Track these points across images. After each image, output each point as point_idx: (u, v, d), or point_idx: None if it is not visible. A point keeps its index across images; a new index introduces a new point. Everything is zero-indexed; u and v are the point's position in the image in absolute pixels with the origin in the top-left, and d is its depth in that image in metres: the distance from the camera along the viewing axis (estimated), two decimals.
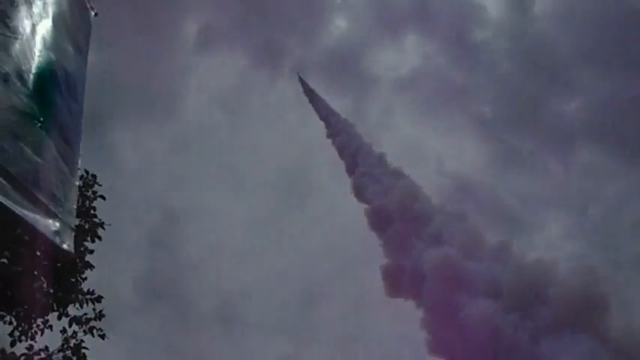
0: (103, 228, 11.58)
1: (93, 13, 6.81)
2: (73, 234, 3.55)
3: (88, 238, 11.40)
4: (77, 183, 3.96)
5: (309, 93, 51.34)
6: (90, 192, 11.59)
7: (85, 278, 11.42)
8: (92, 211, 11.53)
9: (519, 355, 32.36)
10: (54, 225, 3.50)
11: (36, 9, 4.89)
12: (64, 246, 3.48)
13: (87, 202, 11.50)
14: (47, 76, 4.41)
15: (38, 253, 10.42)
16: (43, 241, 3.45)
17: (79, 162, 4.27)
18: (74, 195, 3.85)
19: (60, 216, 3.59)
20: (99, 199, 11.72)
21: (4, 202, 3.31)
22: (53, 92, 4.39)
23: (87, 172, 11.73)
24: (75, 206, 3.78)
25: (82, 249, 11.27)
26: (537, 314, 33.37)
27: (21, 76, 4.19)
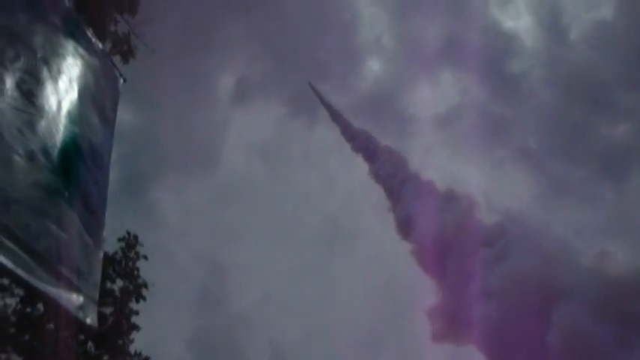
0: (147, 288, 11.71)
1: (122, 81, 7.09)
2: (96, 307, 3.68)
3: (133, 299, 11.53)
4: (101, 254, 4.10)
5: (328, 107, 50.61)
6: (132, 253, 11.76)
7: (132, 340, 11.51)
8: (135, 272, 11.69)
9: None
10: (77, 299, 3.64)
11: (62, 84, 5.13)
12: (88, 320, 3.60)
13: (130, 263, 11.67)
14: (72, 150, 4.60)
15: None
16: (67, 316, 3.59)
17: (104, 232, 4.45)
18: (98, 267, 3.99)
19: (83, 290, 3.72)
20: (142, 259, 11.90)
21: (28, 280, 3.47)
22: (78, 165, 4.57)
23: (129, 233, 11.94)
24: (99, 278, 3.91)
25: (126, 310, 11.41)
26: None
27: (46, 152, 4.39)
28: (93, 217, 4.33)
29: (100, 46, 7.18)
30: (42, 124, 4.56)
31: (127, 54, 13.50)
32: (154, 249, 12.38)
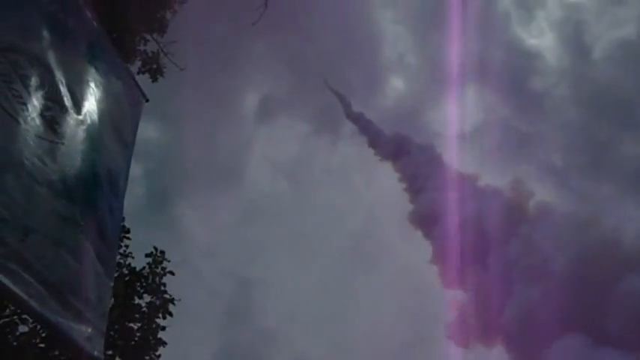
0: (174, 304, 11.81)
1: (144, 101, 7.18)
2: (103, 339, 3.73)
3: (160, 315, 11.63)
4: (111, 283, 4.16)
5: (345, 103, 50.07)
6: (159, 268, 11.88)
7: (159, 355, 11.59)
8: (162, 287, 11.79)
9: None
10: (86, 331, 3.69)
11: (84, 110, 5.22)
12: (95, 352, 3.65)
13: (157, 279, 11.79)
14: (90, 178, 4.68)
15: None
16: (75, 348, 3.64)
17: (116, 260, 4.51)
18: (108, 297, 4.05)
19: (92, 321, 3.78)
20: (168, 274, 12.01)
21: (41, 312, 3.53)
22: (95, 194, 4.65)
23: (156, 248, 12.06)
24: (108, 308, 3.97)
25: (153, 326, 11.50)
26: None
27: (65, 180, 4.47)
28: (106, 246, 4.40)
29: (126, 66, 7.29)
30: (63, 152, 4.65)
31: (156, 72, 13.72)
32: (180, 265, 12.51)
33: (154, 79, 13.45)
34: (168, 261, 12.08)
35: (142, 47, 13.34)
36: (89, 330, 3.69)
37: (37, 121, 4.57)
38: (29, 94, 4.61)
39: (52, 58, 5.00)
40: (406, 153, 47.29)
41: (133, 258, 12.05)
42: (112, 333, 10.94)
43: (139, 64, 13.26)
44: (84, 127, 5.07)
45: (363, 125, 49.32)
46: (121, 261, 11.78)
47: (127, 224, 12.40)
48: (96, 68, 5.74)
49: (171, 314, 11.76)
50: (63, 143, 4.70)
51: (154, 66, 13.38)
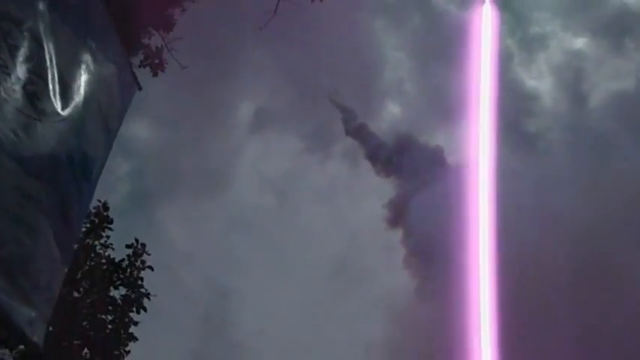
0: (149, 299, 11.58)
1: (137, 89, 7.04)
2: (46, 325, 3.57)
3: (134, 309, 11.38)
4: (66, 270, 4.00)
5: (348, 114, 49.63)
6: (139, 262, 11.67)
7: (129, 351, 11.34)
8: (139, 282, 11.57)
9: None
10: (29, 315, 3.53)
11: (70, 91, 5.10)
12: (34, 338, 3.49)
13: (135, 272, 11.58)
14: (63, 160, 4.54)
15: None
16: (14, 329, 3.47)
17: (74, 246, 4.36)
18: (58, 283, 3.89)
19: (38, 305, 3.62)
20: (147, 269, 11.77)
21: None
22: (65, 177, 4.51)
23: (137, 240, 11.85)
24: (56, 295, 3.81)
25: (126, 320, 11.27)
26: None
27: (35, 158, 4.33)
28: (67, 231, 4.25)
29: (123, 51, 7.15)
30: (39, 129, 4.52)
31: (157, 67, 13.62)
32: (157, 267, 12.23)
33: (155, 74, 13.35)
34: (149, 254, 11.88)
35: (146, 41, 13.27)
36: (33, 314, 3.53)
37: (19, 93, 4.45)
38: (15, 64, 4.49)
39: (45, 31, 4.88)
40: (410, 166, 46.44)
41: (113, 249, 11.85)
42: (84, 323, 10.71)
43: (141, 56, 13.17)
44: (66, 108, 4.94)
45: (365, 138, 48.76)
46: (101, 251, 11.58)
47: (109, 216, 12.21)
48: (90, 48, 5.61)
49: (145, 309, 11.54)
50: (40, 120, 4.56)
51: (156, 61, 13.29)
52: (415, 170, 46.54)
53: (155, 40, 13.22)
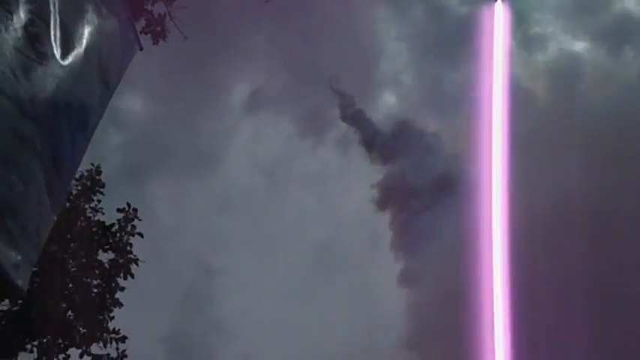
0: (137, 264, 11.48)
1: (138, 48, 6.88)
2: (31, 271, 3.45)
3: (121, 275, 11.28)
4: (54, 218, 3.88)
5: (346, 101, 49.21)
6: (129, 226, 11.55)
7: (113, 317, 11.26)
8: (128, 247, 11.45)
9: None
10: (15, 258, 3.41)
11: (70, 38, 4.95)
12: (19, 282, 3.37)
13: (125, 237, 11.46)
14: (60, 107, 4.43)
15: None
16: None
17: (65, 197, 4.25)
18: (46, 230, 3.77)
19: (25, 249, 3.51)
20: (137, 236, 11.65)
21: None
22: (61, 125, 4.39)
23: (129, 205, 11.75)
24: (43, 242, 3.69)
25: (113, 284, 11.17)
26: None
27: (33, 102, 4.21)
28: (59, 179, 4.13)
29: (127, 9, 6.98)
30: (38, 73, 4.40)
31: (159, 35, 13.40)
32: (144, 239, 12.08)
33: (155, 42, 13.16)
34: (140, 220, 11.77)
35: (149, 7, 13.06)
36: (19, 257, 3.42)
37: (20, 33, 4.32)
38: (17, 3, 4.35)
39: None
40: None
41: (103, 214, 11.74)
42: (70, 285, 10.61)
43: (143, 23, 12.97)
44: (67, 55, 4.81)
45: (362, 125, 48.45)
46: (90, 215, 11.47)
47: (102, 180, 12.09)
48: (95, 0, 5.48)
49: (132, 276, 11.45)
50: (40, 64, 4.44)
51: (158, 28, 13.09)
52: (410, 155, 46.16)
53: (158, 7, 13.06)
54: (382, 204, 46.96)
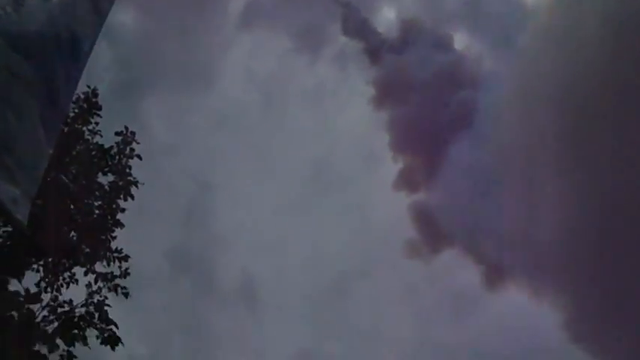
0: (137, 186, 11.71)
1: None
2: (30, 205, 3.59)
3: (121, 197, 11.51)
4: (50, 151, 3.99)
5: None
6: (128, 149, 11.69)
7: (115, 237, 11.57)
8: (127, 170, 11.63)
9: None
10: (14, 192, 3.54)
11: None
12: (18, 215, 3.51)
13: (124, 160, 11.62)
14: (51, 39, 4.43)
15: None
16: None
17: (61, 129, 4.32)
18: (43, 164, 3.87)
19: (23, 183, 3.62)
20: (136, 158, 11.79)
21: None
22: (53, 56, 4.41)
23: (126, 128, 11.85)
24: (41, 176, 3.81)
25: (114, 206, 11.41)
26: None
27: (23, 35, 4.22)
28: (54, 112, 4.20)
29: None
30: (27, 6, 4.37)
31: None
32: (142, 161, 12.24)
33: None
34: (138, 143, 11.91)
35: None
36: (17, 192, 3.53)
37: None
38: None
39: None
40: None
41: (101, 136, 11.85)
42: (71, 208, 10.87)
43: None
44: None
45: (366, 35, 47.32)
46: (89, 137, 11.59)
47: (98, 102, 12.11)
48: None
49: (132, 197, 11.71)
50: None
51: None
52: (415, 51, 44.80)
53: None
54: (379, 101, 45.63)
